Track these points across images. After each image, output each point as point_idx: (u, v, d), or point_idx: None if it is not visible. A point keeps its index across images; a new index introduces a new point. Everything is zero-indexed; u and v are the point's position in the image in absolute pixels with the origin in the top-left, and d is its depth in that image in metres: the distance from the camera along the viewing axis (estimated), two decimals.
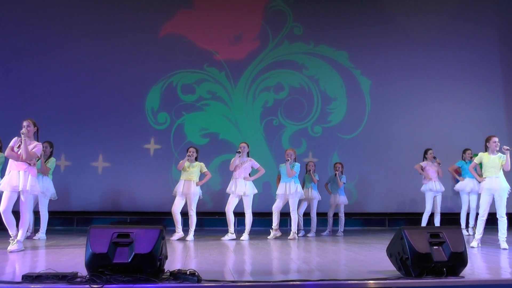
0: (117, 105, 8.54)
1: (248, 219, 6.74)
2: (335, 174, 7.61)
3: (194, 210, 6.55)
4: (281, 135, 8.87)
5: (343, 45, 9.27)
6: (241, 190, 6.66)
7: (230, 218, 6.69)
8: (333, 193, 7.71)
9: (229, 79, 8.89)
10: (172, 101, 8.68)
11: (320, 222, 7.68)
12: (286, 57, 9.11)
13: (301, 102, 9.01)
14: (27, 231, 6.48)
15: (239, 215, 7.03)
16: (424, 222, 7.44)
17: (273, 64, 9.05)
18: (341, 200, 7.66)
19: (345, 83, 9.20)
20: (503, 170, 5.74)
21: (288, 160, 6.88)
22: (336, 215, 7.80)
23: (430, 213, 7.49)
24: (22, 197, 5.07)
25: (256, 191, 6.85)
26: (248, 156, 6.90)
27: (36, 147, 5.17)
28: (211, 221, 8.74)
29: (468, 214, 7.73)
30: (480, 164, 6.07)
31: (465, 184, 7.58)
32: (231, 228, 6.68)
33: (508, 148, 5.73)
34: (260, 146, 8.68)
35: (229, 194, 6.79)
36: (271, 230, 6.91)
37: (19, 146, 5.10)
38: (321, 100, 9.08)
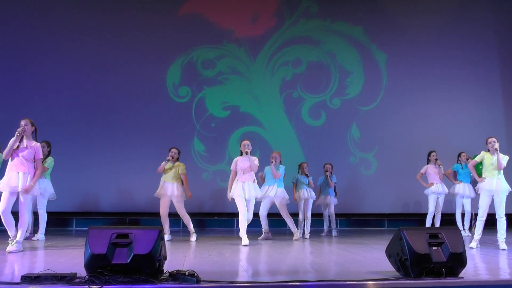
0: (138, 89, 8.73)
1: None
2: (326, 176, 7.58)
3: (184, 211, 6.52)
4: (301, 108, 9.08)
5: (359, 21, 9.48)
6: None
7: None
8: (323, 194, 7.67)
9: (248, 54, 9.12)
10: (193, 75, 8.90)
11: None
12: (303, 33, 9.34)
13: (319, 75, 9.24)
14: (26, 231, 6.50)
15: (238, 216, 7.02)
16: (428, 224, 7.46)
17: (291, 40, 9.28)
18: (332, 200, 7.65)
19: (361, 57, 9.40)
20: (498, 169, 5.74)
21: (273, 162, 6.76)
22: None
23: (433, 214, 7.52)
24: (21, 198, 5.06)
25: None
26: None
27: (36, 150, 5.16)
28: (210, 221, 8.74)
29: (463, 216, 7.76)
30: (480, 163, 6.06)
31: (460, 188, 7.64)
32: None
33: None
34: (280, 119, 8.96)
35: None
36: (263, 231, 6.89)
37: (17, 147, 5.09)
38: (339, 73, 9.31)
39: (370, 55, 9.42)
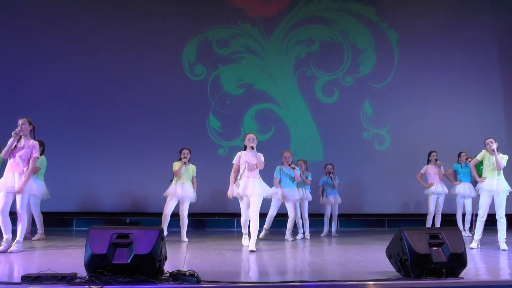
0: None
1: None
2: (331, 177, 7.54)
3: (187, 213, 6.53)
4: (314, 85, 9.21)
5: (370, 1, 9.62)
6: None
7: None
8: (329, 194, 7.63)
9: (262, 34, 9.24)
10: (208, 54, 9.03)
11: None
12: (315, 13, 9.48)
13: (332, 54, 9.38)
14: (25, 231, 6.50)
15: (238, 216, 7.01)
16: (428, 224, 7.46)
17: (304, 20, 9.42)
18: (338, 200, 7.65)
19: (373, 36, 9.54)
20: (498, 169, 5.74)
21: (293, 166, 6.64)
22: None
23: (433, 214, 7.52)
24: (17, 198, 5.05)
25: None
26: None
27: (33, 148, 5.15)
28: (211, 221, 8.74)
29: (463, 216, 7.75)
30: (481, 163, 6.06)
31: (460, 188, 7.63)
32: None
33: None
34: (294, 96, 9.11)
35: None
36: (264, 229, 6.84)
37: (15, 147, 5.09)
38: (351, 52, 9.43)
39: (382, 34, 9.60)
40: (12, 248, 4.93)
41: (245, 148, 5.62)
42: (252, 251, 5.18)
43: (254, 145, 5.44)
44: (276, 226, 7.36)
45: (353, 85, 9.31)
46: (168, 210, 6.46)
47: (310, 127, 8.96)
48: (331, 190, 7.62)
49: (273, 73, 9.17)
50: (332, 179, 7.52)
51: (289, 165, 6.68)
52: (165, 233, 6.25)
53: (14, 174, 5.04)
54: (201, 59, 8.99)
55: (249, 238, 5.47)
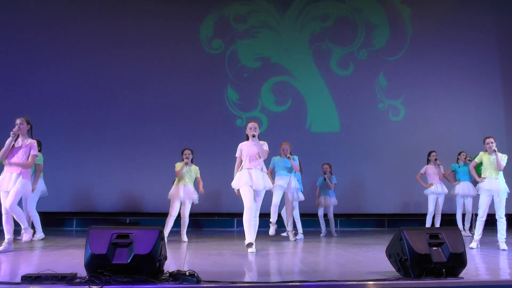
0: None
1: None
2: (324, 178, 7.52)
3: (188, 213, 6.50)
4: (329, 59, 9.52)
5: None
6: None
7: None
8: (323, 195, 7.58)
9: (278, 10, 9.46)
10: (225, 30, 9.26)
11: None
12: None
13: (346, 29, 9.65)
14: (37, 232, 6.51)
15: (238, 216, 6.99)
16: (428, 224, 7.46)
17: None
18: (332, 201, 7.60)
19: (386, 12, 9.73)
20: (498, 169, 5.74)
21: (287, 155, 6.43)
22: (325, 216, 7.72)
23: (433, 214, 7.52)
24: (10, 194, 5.03)
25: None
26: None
27: (31, 147, 5.16)
28: (210, 221, 8.74)
29: (463, 216, 7.75)
30: (481, 164, 6.06)
31: (460, 187, 7.63)
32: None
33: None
34: (310, 69, 9.35)
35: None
36: (270, 224, 6.43)
37: (13, 146, 5.09)
38: (365, 27, 9.66)
39: (395, 9, 9.78)
40: (25, 238, 5.31)
41: (247, 138, 5.29)
42: (252, 252, 4.98)
43: (256, 134, 5.12)
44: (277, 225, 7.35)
45: (367, 59, 9.56)
46: (174, 212, 6.35)
47: (326, 98, 9.28)
48: (326, 190, 7.58)
49: (289, 47, 9.42)
50: (326, 180, 7.49)
51: (286, 156, 6.49)
52: (166, 235, 6.26)
53: (12, 175, 5.06)
54: (218, 34, 9.24)
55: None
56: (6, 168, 5.11)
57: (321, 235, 7.60)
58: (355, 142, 9.04)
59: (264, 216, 6.00)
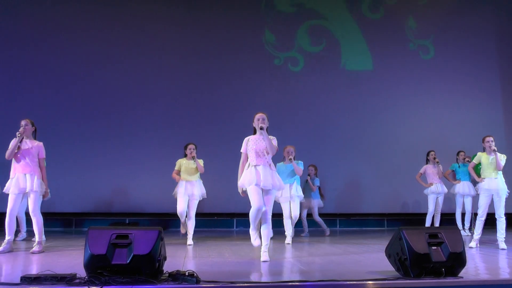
0: None
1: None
2: (306, 180, 7.44)
3: (195, 213, 6.19)
4: (361, 4, 9.72)
5: None
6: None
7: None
8: (306, 197, 7.31)
9: None
10: None
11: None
12: None
13: None
14: (21, 232, 6.50)
15: (238, 216, 6.99)
16: (427, 224, 7.46)
17: None
18: (315, 203, 7.53)
19: None
20: (497, 169, 5.74)
21: (290, 158, 6.24)
22: (310, 216, 7.65)
23: (432, 214, 7.52)
24: (30, 199, 5.07)
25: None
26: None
27: (40, 150, 5.19)
28: (210, 222, 8.74)
29: (463, 215, 7.76)
30: (479, 164, 6.07)
31: (460, 187, 7.63)
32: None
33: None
34: (342, 13, 9.66)
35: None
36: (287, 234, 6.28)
37: (19, 148, 5.10)
38: None
39: None
40: (34, 249, 5.01)
41: (254, 132, 4.69)
42: (265, 261, 4.45)
43: (265, 126, 4.52)
44: (276, 226, 7.35)
45: (397, 2, 9.83)
46: (181, 209, 6.07)
47: (359, 40, 9.62)
48: (309, 192, 7.48)
49: None
50: (309, 181, 7.42)
51: (289, 158, 6.31)
52: (182, 220, 6.18)
53: (26, 175, 5.05)
54: None
55: (261, 240, 4.57)
56: (17, 169, 5.07)
57: (302, 235, 7.44)
58: (388, 83, 9.36)
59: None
